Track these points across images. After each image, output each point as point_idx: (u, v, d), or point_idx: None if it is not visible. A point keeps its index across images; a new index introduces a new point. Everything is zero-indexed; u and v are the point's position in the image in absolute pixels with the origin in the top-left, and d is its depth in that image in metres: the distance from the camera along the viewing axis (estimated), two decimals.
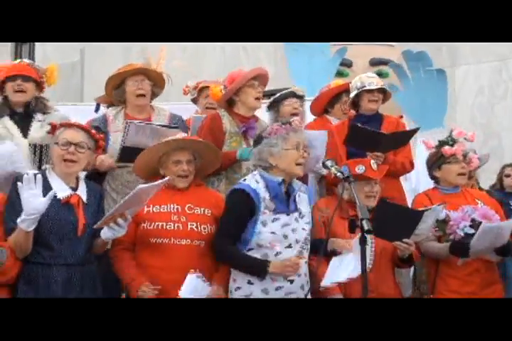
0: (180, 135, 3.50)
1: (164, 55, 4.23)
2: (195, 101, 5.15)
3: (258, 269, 3.16)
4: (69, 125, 3.27)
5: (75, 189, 3.19)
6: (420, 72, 6.36)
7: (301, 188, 3.39)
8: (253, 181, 3.30)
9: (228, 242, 3.23)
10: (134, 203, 3.02)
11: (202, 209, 3.34)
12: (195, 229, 3.27)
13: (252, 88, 3.99)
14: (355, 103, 4.43)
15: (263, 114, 4.51)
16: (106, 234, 3.04)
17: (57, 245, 3.04)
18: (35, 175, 2.92)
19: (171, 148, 3.39)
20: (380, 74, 5.70)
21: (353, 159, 3.93)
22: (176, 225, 3.26)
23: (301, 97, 4.56)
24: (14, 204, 3.00)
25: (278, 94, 4.60)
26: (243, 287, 3.21)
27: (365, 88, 4.32)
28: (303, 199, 3.36)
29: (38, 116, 3.91)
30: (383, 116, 4.44)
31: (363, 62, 6.67)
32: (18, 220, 2.92)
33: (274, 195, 3.25)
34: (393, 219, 3.32)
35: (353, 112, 4.49)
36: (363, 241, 2.76)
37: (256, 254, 3.21)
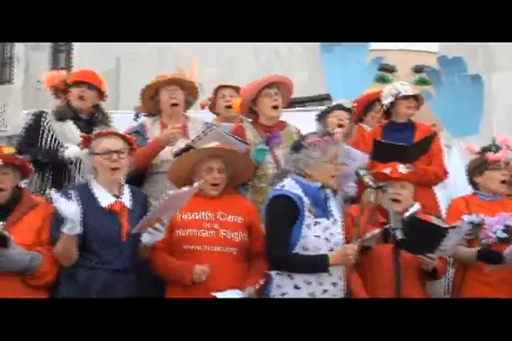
0: (214, 144, 3.54)
1: (196, 65, 4.29)
2: (213, 107, 5.06)
3: (320, 265, 3.16)
4: (105, 134, 3.37)
5: (118, 196, 3.27)
6: (455, 77, 6.30)
7: (337, 194, 3.46)
8: (291, 187, 3.31)
9: (282, 249, 3.21)
10: (168, 209, 3.08)
11: (233, 216, 3.38)
12: (227, 236, 3.31)
13: (268, 97, 3.99)
14: (388, 111, 4.41)
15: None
16: (146, 238, 3.12)
17: (103, 251, 3.14)
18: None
19: (204, 156, 3.43)
20: (423, 82, 5.68)
21: (387, 164, 3.92)
22: (208, 232, 3.30)
23: (348, 110, 4.49)
24: (60, 216, 3.09)
25: (325, 107, 4.60)
26: (289, 292, 3.20)
27: (401, 94, 4.30)
28: (334, 205, 3.40)
29: (101, 126, 4.09)
30: (416, 124, 4.43)
31: (404, 69, 6.61)
32: (64, 229, 3.03)
33: (314, 200, 3.28)
34: (418, 233, 3.30)
35: (384, 120, 4.47)
36: (396, 250, 2.75)
37: None
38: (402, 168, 3.71)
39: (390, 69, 6.52)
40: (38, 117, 4.12)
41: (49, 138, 4.01)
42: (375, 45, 6.16)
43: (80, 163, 3.95)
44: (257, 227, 3.45)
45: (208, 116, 4.94)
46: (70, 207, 2.99)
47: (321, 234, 3.23)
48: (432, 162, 4.26)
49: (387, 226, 3.24)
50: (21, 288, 3.10)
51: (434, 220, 3.68)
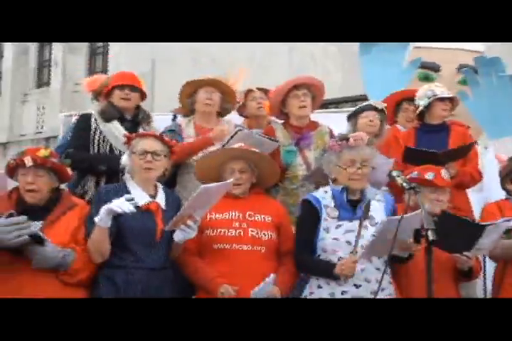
0: (236, 145, 3.57)
1: (243, 76, 4.33)
2: (242, 109, 5.01)
3: (327, 272, 3.22)
4: (144, 135, 3.42)
5: (153, 196, 3.32)
6: (492, 78, 6.21)
7: (377, 197, 3.41)
8: (322, 191, 3.42)
9: (300, 252, 3.35)
10: (200, 204, 3.11)
11: (262, 216, 3.41)
12: (256, 235, 3.34)
13: (295, 98, 4.02)
14: (423, 112, 4.37)
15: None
16: (178, 236, 3.16)
17: (139, 250, 3.18)
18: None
19: (227, 157, 3.48)
20: (465, 82, 5.63)
21: (426, 166, 3.89)
22: (237, 231, 3.33)
23: (379, 110, 4.49)
24: (95, 213, 3.16)
25: (357, 107, 4.58)
26: (315, 291, 3.29)
27: (437, 96, 4.27)
28: (377, 208, 3.36)
29: (144, 125, 4.18)
30: (450, 125, 4.38)
31: (448, 67, 6.52)
32: (96, 219, 3.08)
33: (339, 203, 3.33)
34: (454, 231, 3.26)
35: (417, 122, 4.43)
36: (428, 252, 2.73)
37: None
38: (445, 173, 3.70)
39: (435, 68, 6.39)
40: (86, 118, 4.18)
41: (100, 140, 4.06)
42: (418, 43, 6.10)
43: None
44: (286, 227, 3.48)
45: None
46: (127, 207, 3.05)
47: (340, 237, 3.25)
48: (467, 164, 4.21)
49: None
50: (60, 288, 3.14)
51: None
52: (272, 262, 3.36)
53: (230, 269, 3.25)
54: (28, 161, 3.19)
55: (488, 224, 3.41)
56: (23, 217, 3.02)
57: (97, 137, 4.07)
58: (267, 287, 3.17)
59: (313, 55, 10.54)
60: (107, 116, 4.11)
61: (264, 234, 3.36)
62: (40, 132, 15.76)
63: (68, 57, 15.75)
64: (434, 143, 4.10)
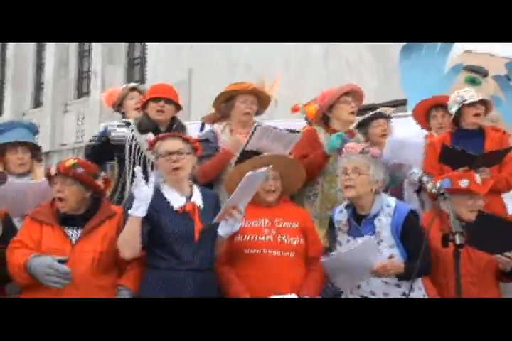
0: (270, 153, 3.63)
1: (278, 83, 4.38)
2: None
3: None
4: (164, 137, 3.43)
5: (189, 197, 3.35)
6: None
7: (386, 210, 3.40)
8: (345, 204, 3.55)
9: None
10: (244, 193, 3.15)
11: (290, 223, 3.49)
12: (285, 240, 3.41)
13: (346, 104, 4.09)
14: (456, 118, 4.36)
15: None
16: (223, 229, 3.21)
17: (183, 252, 3.21)
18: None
19: (258, 165, 3.49)
20: (472, 81, 5.60)
21: (457, 172, 3.89)
22: (267, 237, 3.40)
23: (388, 117, 4.58)
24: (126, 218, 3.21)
25: (366, 115, 4.62)
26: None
27: (466, 102, 4.26)
28: (384, 223, 3.37)
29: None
30: (486, 130, 4.34)
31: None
32: (130, 211, 3.12)
33: (348, 218, 3.45)
34: (494, 231, 3.25)
35: (453, 127, 4.43)
36: (456, 256, 2.75)
37: None
38: (478, 178, 3.67)
39: (483, 73, 6.32)
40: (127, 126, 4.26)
41: (135, 150, 4.14)
42: (463, 47, 6.08)
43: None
44: (312, 233, 3.55)
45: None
46: (143, 188, 3.10)
47: None
48: (502, 169, 4.19)
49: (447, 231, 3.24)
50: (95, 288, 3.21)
51: None
52: (300, 267, 3.42)
53: (261, 273, 3.31)
54: (53, 170, 3.30)
55: None
56: (68, 271, 3.07)
57: (133, 146, 4.14)
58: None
59: (348, 61, 10.56)
60: (142, 128, 4.16)
61: (292, 239, 3.43)
62: (81, 141, 16.06)
63: (107, 67, 16.05)
64: (469, 148, 4.06)
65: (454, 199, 3.55)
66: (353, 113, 4.13)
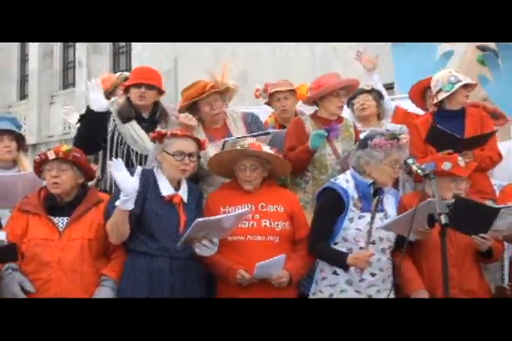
0: (247, 141, 3.60)
1: (227, 69, 4.31)
2: (268, 103, 5.09)
3: (340, 261, 3.35)
4: (180, 135, 3.48)
5: (177, 189, 3.42)
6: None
7: (390, 191, 3.57)
8: (344, 181, 3.50)
9: (319, 238, 3.44)
10: (209, 229, 3.21)
11: (274, 206, 3.50)
12: (269, 225, 3.43)
13: (337, 97, 4.10)
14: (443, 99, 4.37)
15: None
16: (197, 251, 3.27)
17: (163, 239, 3.29)
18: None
19: (237, 155, 3.54)
20: (482, 62, 5.66)
21: (441, 154, 3.94)
22: (250, 223, 3.42)
23: (371, 91, 4.66)
24: (117, 195, 3.26)
25: (352, 94, 4.63)
26: (329, 277, 3.42)
27: (462, 83, 4.25)
28: (390, 201, 3.54)
29: (162, 123, 4.18)
30: (466, 109, 4.36)
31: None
32: (117, 202, 3.17)
33: (363, 195, 3.44)
34: (469, 214, 3.31)
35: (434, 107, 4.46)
36: (442, 235, 2.81)
37: (341, 248, 3.40)
38: (461, 161, 3.71)
39: (496, 53, 6.31)
40: (104, 118, 4.16)
41: (118, 141, 4.10)
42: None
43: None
44: (299, 216, 3.57)
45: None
46: (127, 180, 3.14)
47: (363, 228, 3.35)
48: (484, 147, 4.22)
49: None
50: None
51: (489, 204, 3.67)
52: (286, 251, 3.41)
53: (245, 260, 3.33)
54: (50, 154, 3.34)
55: (502, 207, 3.44)
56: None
57: (115, 138, 4.10)
58: (275, 264, 3.26)
59: (335, 46, 10.55)
60: (123, 117, 4.13)
61: (277, 224, 3.44)
62: (68, 133, 15.98)
63: (92, 57, 15.94)
64: (451, 129, 4.10)
65: (438, 182, 3.53)
66: (340, 107, 4.15)
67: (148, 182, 3.35)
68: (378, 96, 4.73)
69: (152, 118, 4.18)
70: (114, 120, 4.14)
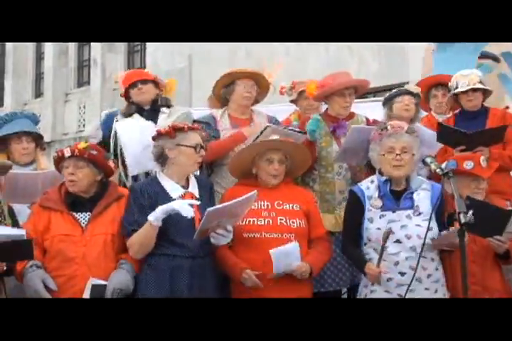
0: (273, 137, 3.62)
1: (278, 70, 4.37)
2: (294, 102, 5.14)
3: (359, 268, 3.42)
4: (194, 128, 3.48)
5: (186, 187, 3.40)
6: None
7: (423, 186, 3.44)
8: (368, 181, 3.49)
9: (347, 241, 3.49)
10: (221, 217, 3.20)
11: (290, 204, 3.49)
12: (285, 223, 3.42)
13: (341, 97, 4.07)
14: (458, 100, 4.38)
15: None
16: (213, 240, 3.27)
17: (182, 240, 3.28)
18: None
19: (265, 148, 3.53)
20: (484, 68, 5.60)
21: (464, 154, 3.91)
22: (266, 220, 3.41)
23: (415, 95, 4.51)
24: (132, 209, 3.31)
25: (393, 91, 4.59)
26: (363, 278, 3.42)
27: (456, 90, 4.28)
28: (423, 197, 3.40)
29: (164, 109, 4.29)
30: (488, 109, 4.35)
31: None
32: (151, 218, 3.19)
33: (382, 193, 3.40)
34: (483, 216, 3.27)
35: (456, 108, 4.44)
36: (461, 234, 2.78)
37: (369, 248, 3.38)
38: (483, 160, 3.67)
39: (496, 59, 6.31)
40: (110, 118, 4.35)
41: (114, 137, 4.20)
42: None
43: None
44: (315, 214, 3.57)
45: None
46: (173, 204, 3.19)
47: (383, 227, 3.30)
48: (506, 146, 4.18)
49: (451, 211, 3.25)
50: None
51: (510, 206, 3.63)
52: (301, 249, 3.38)
53: (260, 257, 3.32)
54: (66, 152, 3.35)
55: None
56: None
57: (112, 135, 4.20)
58: (291, 252, 3.27)
59: (349, 44, 10.50)
60: (126, 114, 4.27)
61: (292, 221, 3.43)
62: (82, 130, 16.06)
63: (107, 56, 16.00)
64: (471, 128, 4.08)
65: (458, 181, 3.51)
66: (345, 107, 4.11)
67: (155, 191, 3.33)
68: (418, 101, 4.55)
69: (153, 108, 4.28)
70: (117, 120, 4.26)
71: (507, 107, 4.56)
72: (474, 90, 4.29)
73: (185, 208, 3.16)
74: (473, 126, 4.15)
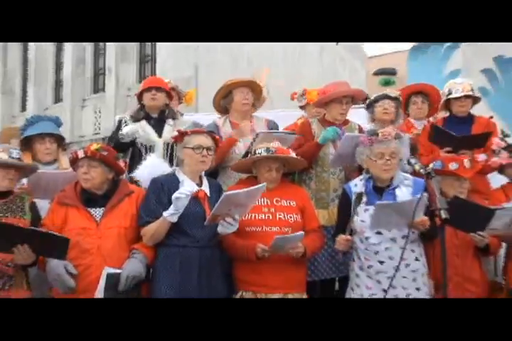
0: (273, 144, 3.60)
1: (266, 75, 4.44)
2: (303, 108, 5.17)
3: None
4: (198, 131, 3.56)
5: (199, 185, 3.47)
6: (511, 74, 6.13)
7: (405, 182, 3.45)
8: (358, 179, 3.54)
9: (337, 231, 3.51)
10: (232, 205, 3.21)
11: (287, 201, 3.53)
12: (283, 218, 3.46)
13: (339, 104, 4.10)
14: (448, 106, 4.42)
15: None
16: (220, 229, 3.29)
17: (194, 232, 3.33)
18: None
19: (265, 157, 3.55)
20: (387, 83, 5.63)
21: (450, 155, 3.95)
22: (266, 215, 3.45)
23: (394, 99, 4.55)
24: (151, 200, 3.37)
25: (373, 97, 4.63)
26: (351, 264, 3.49)
27: (449, 96, 4.30)
28: (405, 192, 3.41)
29: (169, 121, 4.41)
30: (474, 117, 4.42)
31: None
32: (165, 214, 3.24)
33: (367, 190, 3.45)
34: (467, 213, 3.30)
35: (442, 114, 4.49)
36: (442, 229, 2.81)
37: (356, 239, 3.41)
38: (467, 162, 3.71)
39: (392, 72, 6.43)
40: (119, 123, 4.48)
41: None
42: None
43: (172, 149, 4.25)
44: (309, 209, 3.60)
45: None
46: (183, 199, 3.22)
47: (366, 220, 3.34)
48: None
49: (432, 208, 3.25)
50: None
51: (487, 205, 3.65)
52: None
53: None
54: (80, 153, 3.41)
55: (498, 208, 3.41)
56: (72, 286, 3.19)
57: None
58: (293, 239, 3.29)
59: (342, 55, 10.53)
60: (135, 118, 4.39)
61: (290, 216, 3.47)
62: (98, 133, 16.09)
63: (120, 65, 16.02)
64: (457, 132, 4.13)
65: (444, 180, 3.65)
66: (342, 114, 4.14)
67: (173, 186, 3.37)
68: (398, 105, 4.59)
69: (160, 117, 4.41)
70: (126, 122, 4.39)
71: (491, 117, 4.59)
72: (467, 97, 4.32)
73: (187, 186, 3.23)
74: (460, 131, 4.19)
